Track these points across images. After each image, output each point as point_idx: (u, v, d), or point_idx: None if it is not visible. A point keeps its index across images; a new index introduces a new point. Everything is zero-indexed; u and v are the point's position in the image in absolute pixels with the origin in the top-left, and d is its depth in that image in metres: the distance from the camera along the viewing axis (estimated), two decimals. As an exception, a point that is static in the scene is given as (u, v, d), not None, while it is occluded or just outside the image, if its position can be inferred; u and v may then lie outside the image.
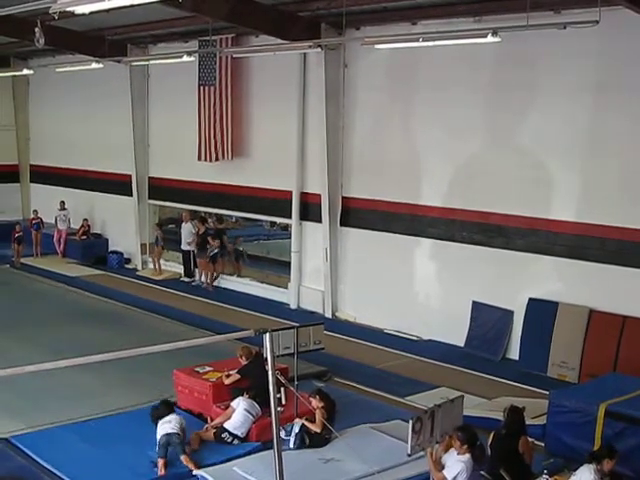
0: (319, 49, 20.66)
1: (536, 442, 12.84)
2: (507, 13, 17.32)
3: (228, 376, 14.67)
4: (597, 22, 14.01)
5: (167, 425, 12.98)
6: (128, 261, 29.45)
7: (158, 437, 12.87)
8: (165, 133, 27.71)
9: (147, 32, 25.87)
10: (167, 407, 13.40)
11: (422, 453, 11.06)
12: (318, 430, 13.22)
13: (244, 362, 14.58)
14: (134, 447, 13.21)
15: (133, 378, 16.32)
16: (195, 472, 12.44)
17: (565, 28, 15.12)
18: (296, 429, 13.34)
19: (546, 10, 16.90)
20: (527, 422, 12.66)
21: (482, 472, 11.48)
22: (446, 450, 11.24)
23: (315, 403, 13.29)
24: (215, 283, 26.08)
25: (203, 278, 26.35)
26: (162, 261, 27.99)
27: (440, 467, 11.02)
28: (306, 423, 13.32)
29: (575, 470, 11.01)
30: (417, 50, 19.05)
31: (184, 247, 26.71)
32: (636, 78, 16.58)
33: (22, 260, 29.28)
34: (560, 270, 18.24)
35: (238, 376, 14.50)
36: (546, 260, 18.32)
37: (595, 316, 17.47)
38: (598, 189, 17.49)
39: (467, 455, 10.96)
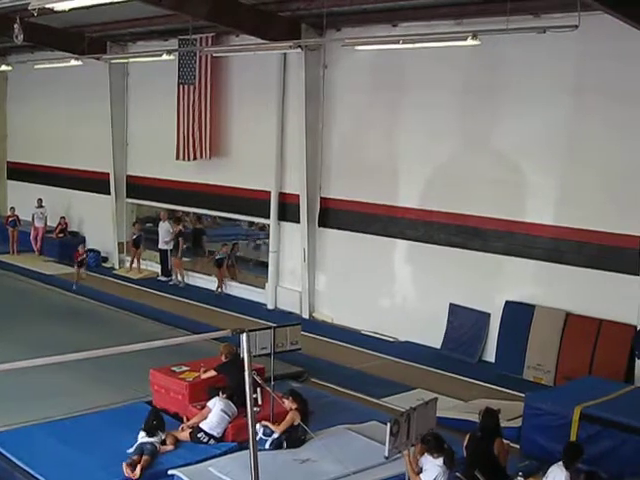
0: (299, 49, 20.70)
1: (511, 444, 12.87)
2: (487, 16, 17.38)
3: (206, 371, 14.66)
4: (576, 27, 14.09)
5: (146, 438, 13.10)
6: (105, 260, 29.32)
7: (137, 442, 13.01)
8: (144, 131, 27.62)
9: (127, 30, 25.76)
10: (156, 427, 13.40)
11: (398, 455, 11.06)
12: (278, 431, 13.22)
13: (224, 360, 14.54)
14: (109, 446, 13.13)
15: (109, 377, 16.23)
16: (171, 472, 12.40)
17: (545, 32, 15.18)
18: (275, 435, 13.35)
19: (526, 14, 16.98)
20: (503, 424, 12.72)
21: (457, 474, 11.50)
22: (422, 453, 11.25)
23: (288, 404, 13.30)
24: (224, 289, 25.48)
25: (179, 277, 26.30)
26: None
27: (417, 470, 11.03)
28: (269, 425, 13.34)
29: (546, 471, 11.10)
30: (397, 52, 19.10)
31: (161, 246, 26.64)
32: (614, 82, 16.68)
33: (-2, 258, 29.10)
34: (537, 273, 18.31)
35: (214, 372, 14.49)
36: (523, 263, 18.39)
37: (571, 319, 17.55)
38: (576, 193, 17.57)
39: (442, 458, 10.98)
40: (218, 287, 25.23)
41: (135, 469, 12.33)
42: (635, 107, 16.28)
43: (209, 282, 26.01)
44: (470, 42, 15.74)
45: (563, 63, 17.42)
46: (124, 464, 12.38)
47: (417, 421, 11.05)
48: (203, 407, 13.91)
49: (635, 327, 16.57)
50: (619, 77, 16.62)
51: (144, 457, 12.65)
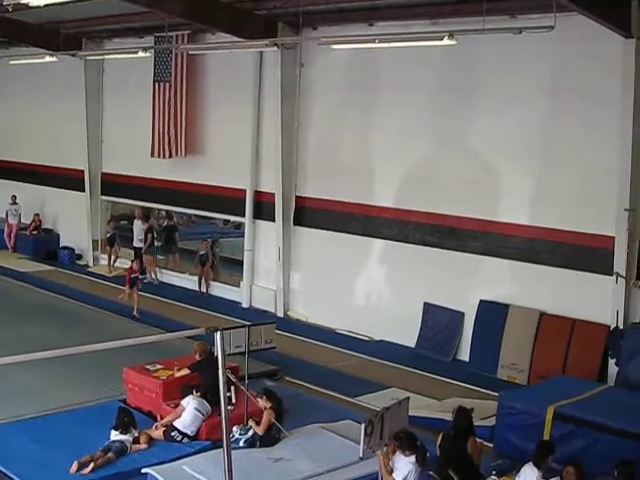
0: (275, 48, 20.74)
1: (485, 443, 12.92)
2: (463, 17, 17.44)
3: (180, 370, 14.63)
4: (552, 27, 14.15)
5: (119, 436, 13.11)
6: (79, 257, 29.19)
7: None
8: (119, 129, 27.50)
9: (102, 27, 25.66)
10: (128, 423, 13.39)
11: (372, 454, 11.07)
12: (260, 432, 13.22)
13: (198, 359, 14.51)
14: (82, 445, 13.02)
15: (83, 376, 16.12)
16: (144, 470, 12.36)
17: (521, 33, 15.25)
18: (250, 433, 13.33)
19: (502, 15, 17.04)
20: (476, 423, 12.76)
21: (431, 472, 11.52)
22: (394, 452, 11.26)
23: (262, 403, 13.27)
24: (210, 291, 25.28)
25: (152, 275, 26.24)
26: (113, 257, 27.75)
27: (390, 469, 11.04)
28: (253, 425, 13.32)
29: (519, 471, 11.15)
30: (373, 51, 19.14)
31: (136, 244, 26.53)
32: (590, 83, 16.77)
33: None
34: (512, 273, 18.37)
35: (188, 371, 14.45)
36: (498, 263, 18.45)
37: (545, 319, 17.63)
38: (551, 193, 17.65)
39: (414, 456, 10.99)
40: (200, 287, 25.14)
41: (88, 466, 12.34)
42: (610, 108, 16.34)
43: (183, 280, 25.94)
44: (446, 42, 15.80)
45: (539, 63, 17.49)
46: (76, 462, 12.35)
47: (390, 421, 11.07)
48: (177, 405, 13.86)
49: (609, 327, 16.65)
50: (594, 78, 16.70)
51: (108, 455, 12.65)
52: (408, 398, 12.13)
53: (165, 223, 27.77)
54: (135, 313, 21.79)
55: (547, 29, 14.28)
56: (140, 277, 23.41)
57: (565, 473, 10.76)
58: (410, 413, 12.30)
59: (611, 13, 15.36)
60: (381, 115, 20.43)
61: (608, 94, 16.39)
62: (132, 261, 23.69)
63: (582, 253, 17.13)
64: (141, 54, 22.08)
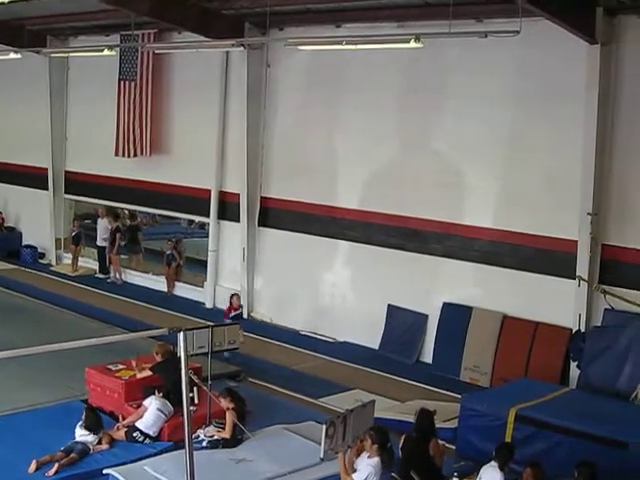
0: (242, 48, 20.69)
1: (447, 445, 12.95)
2: (430, 20, 17.50)
3: (142, 370, 14.56)
4: (518, 32, 14.20)
5: (83, 436, 13.05)
6: (42, 256, 28.98)
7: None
8: (84, 127, 27.33)
9: (68, 24, 25.50)
10: (98, 423, 13.37)
11: (335, 456, 11.08)
12: (227, 436, 13.20)
13: (159, 359, 14.44)
14: (43, 445, 12.94)
15: (44, 376, 16.00)
16: (106, 471, 12.29)
17: (486, 37, 15.29)
18: (216, 436, 13.33)
19: (468, 18, 17.11)
20: (439, 425, 12.81)
21: (393, 474, 11.55)
22: (358, 455, 11.29)
23: (225, 403, 13.23)
24: (175, 291, 25.06)
25: (117, 274, 26.10)
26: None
27: (351, 471, 11.05)
28: (215, 433, 13.28)
29: (479, 471, 11.20)
30: (340, 53, 19.13)
31: (100, 243, 26.43)
32: (555, 87, 16.90)
33: None
34: (475, 275, 18.46)
35: (150, 372, 14.39)
36: (462, 265, 18.52)
37: (508, 321, 17.72)
38: (515, 196, 17.76)
39: (376, 459, 11.02)
40: (169, 288, 25.01)
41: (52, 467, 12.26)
42: (574, 113, 16.47)
43: (147, 280, 25.84)
44: (413, 45, 15.82)
45: (505, 67, 17.60)
46: (35, 461, 12.26)
47: (354, 423, 11.09)
48: (139, 406, 13.81)
49: (571, 330, 16.78)
50: (560, 82, 16.84)
51: (72, 455, 12.59)
52: (374, 401, 12.16)
53: (128, 223, 27.58)
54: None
55: (513, 34, 14.34)
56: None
57: (525, 475, 10.82)
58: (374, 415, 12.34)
59: (576, 19, 15.49)
60: (347, 116, 20.46)
61: (573, 99, 16.52)
62: (233, 296, 19.85)
63: (545, 256, 17.25)
64: (107, 52, 21.90)
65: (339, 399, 15.97)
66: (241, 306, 20.06)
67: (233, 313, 19.28)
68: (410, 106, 19.29)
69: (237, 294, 20.10)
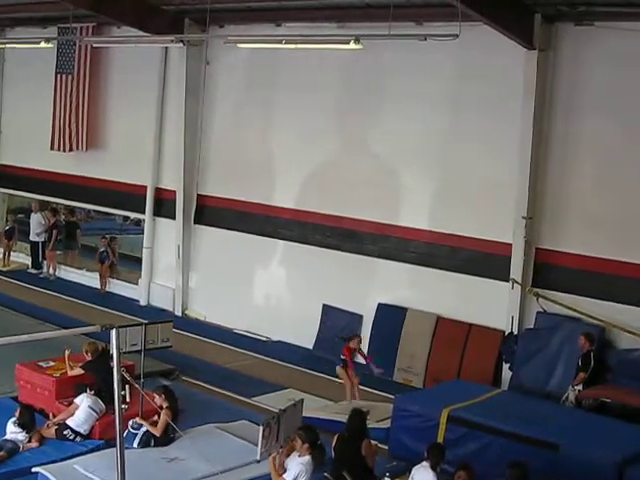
0: (181, 44, 20.62)
1: (380, 445, 13.02)
2: (370, 21, 17.52)
3: (73, 368, 14.40)
4: (457, 36, 14.28)
5: (14, 434, 12.90)
6: (-27, 250, 28.54)
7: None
8: (19, 120, 26.92)
9: (4, 15, 25.03)
10: (32, 421, 13.24)
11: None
12: (158, 434, 13.10)
13: (89, 358, 14.29)
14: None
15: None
16: (35, 469, 12.13)
17: (425, 39, 15.34)
18: (144, 428, 13.20)
19: (409, 21, 17.20)
20: (372, 425, 12.86)
21: (325, 474, 11.57)
22: (288, 454, 11.29)
23: (159, 401, 13.13)
24: (109, 288, 24.76)
25: (51, 270, 25.80)
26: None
27: (282, 471, 11.05)
28: (149, 428, 13.18)
29: (410, 471, 11.26)
30: (279, 52, 19.14)
31: (33, 238, 26.08)
32: (492, 92, 17.05)
33: None
34: (410, 277, 18.56)
35: (81, 371, 14.23)
36: (397, 266, 18.61)
37: (442, 323, 17.85)
38: (451, 199, 17.89)
39: (307, 457, 11.03)
40: (102, 284, 24.73)
41: None
42: (511, 117, 16.68)
43: (81, 276, 25.57)
44: (352, 46, 15.84)
45: (443, 70, 17.73)
46: None
47: (286, 422, 11.09)
48: (70, 403, 13.66)
49: (503, 332, 16.96)
50: (497, 87, 17.01)
51: (0, 453, 12.41)
52: (302, 400, 12.18)
53: (64, 218, 27.27)
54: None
55: (452, 37, 14.43)
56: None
57: (457, 478, 10.89)
58: (306, 414, 12.38)
59: (515, 25, 15.68)
60: (285, 116, 20.45)
61: (510, 103, 16.70)
62: (354, 338, 16.33)
63: (480, 259, 17.41)
64: (44, 45, 21.61)
65: (272, 398, 15.97)
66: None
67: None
68: (348, 107, 19.35)
69: (356, 336, 16.70)
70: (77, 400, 13.55)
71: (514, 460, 11.06)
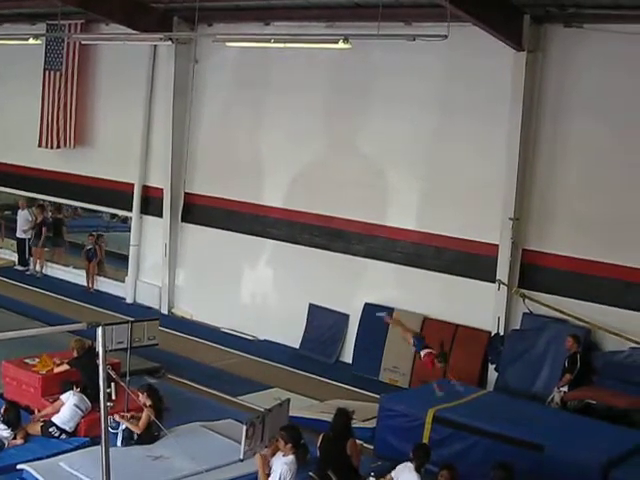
0: (170, 42, 20.58)
1: (365, 445, 13.03)
2: (359, 21, 17.55)
3: (59, 364, 14.37)
4: (446, 36, 14.30)
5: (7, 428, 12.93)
6: (-41, 247, 28.47)
7: None
8: (6, 116, 26.78)
9: (-8, 11, 25.05)
10: (18, 418, 13.25)
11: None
12: (138, 432, 13.08)
13: (76, 355, 14.27)
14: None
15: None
16: (20, 466, 12.11)
17: (414, 40, 15.37)
18: (123, 426, 13.18)
19: (397, 21, 17.21)
20: (357, 425, 12.86)
21: (310, 473, 11.57)
22: (273, 454, 11.30)
23: (143, 399, 13.10)
24: (96, 286, 24.63)
25: (38, 267, 25.73)
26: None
27: (268, 471, 11.06)
28: (129, 425, 13.15)
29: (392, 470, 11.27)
30: (268, 51, 19.14)
31: (19, 235, 26.02)
32: (481, 93, 17.07)
33: None
34: (397, 277, 18.57)
35: (67, 367, 14.22)
36: (384, 266, 18.62)
37: (428, 323, 17.83)
38: (439, 199, 17.91)
39: (291, 456, 11.04)
40: (88, 282, 24.61)
41: None
42: (499, 118, 16.69)
43: (67, 273, 25.48)
44: (341, 45, 15.85)
45: (432, 71, 17.73)
46: None
47: (271, 422, 11.09)
48: (56, 400, 13.63)
49: (490, 333, 16.99)
50: (486, 88, 17.02)
51: None
52: (289, 400, 12.18)
53: (50, 215, 27.21)
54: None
55: (441, 38, 14.45)
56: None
57: (440, 477, 10.90)
58: (292, 414, 12.38)
59: (503, 26, 15.71)
60: (273, 115, 20.43)
61: (498, 104, 16.71)
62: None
63: (467, 259, 17.44)
64: (32, 41, 21.54)
65: (258, 397, 15.96)
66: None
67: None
68: (337, 107, 19.35)
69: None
70: (63, 397, 13.54)
71: (499, 461, 11.07)
